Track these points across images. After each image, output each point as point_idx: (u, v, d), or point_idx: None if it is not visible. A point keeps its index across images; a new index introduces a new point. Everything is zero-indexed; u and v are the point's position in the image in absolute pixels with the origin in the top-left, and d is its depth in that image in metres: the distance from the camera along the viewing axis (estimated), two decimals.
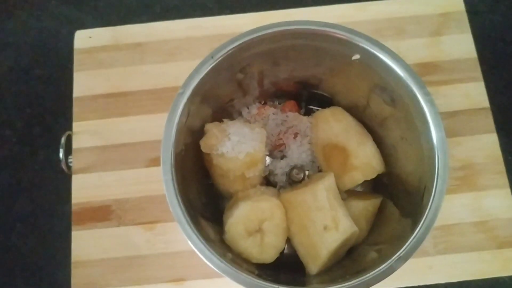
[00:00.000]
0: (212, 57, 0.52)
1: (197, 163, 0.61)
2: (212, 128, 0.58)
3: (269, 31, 0.52)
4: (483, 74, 0.75)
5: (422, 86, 0.50)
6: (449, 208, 0.69)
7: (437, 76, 0.75)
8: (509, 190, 0.70)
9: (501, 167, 0.71)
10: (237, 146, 0.57)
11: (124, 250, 0.68)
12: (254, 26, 0.54)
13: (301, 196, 0.56)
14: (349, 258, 0.59)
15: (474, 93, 0.74)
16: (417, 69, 0.75)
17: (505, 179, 0.70)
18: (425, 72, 0.75)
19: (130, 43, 0.78)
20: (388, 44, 0.75)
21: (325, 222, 0.54)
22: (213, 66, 0.52)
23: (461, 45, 0.77)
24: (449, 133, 0.72)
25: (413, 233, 0.47)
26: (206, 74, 0.52)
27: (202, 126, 0.59)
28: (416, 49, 0.77)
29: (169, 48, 0.77)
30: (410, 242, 0.47)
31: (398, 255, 0.46)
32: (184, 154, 0.55)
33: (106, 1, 0.92)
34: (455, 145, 0.72)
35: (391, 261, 0.46)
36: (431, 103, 0.50)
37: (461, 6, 0.78)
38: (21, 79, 0.85)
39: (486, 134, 0.72)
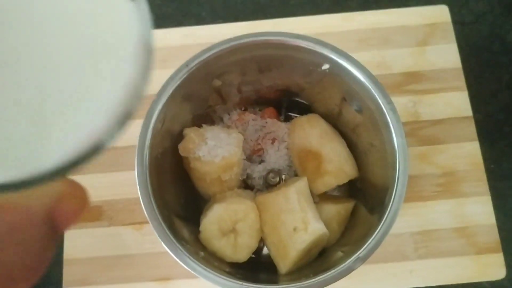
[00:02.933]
0: (187, 65, 0.53)
1: (176, 166, 0.63)
2: (190, 133, 0.59)
3: (241, 41, 0.53)
4: (469, 84, 0.75)
5: (385, 94, 0.51)
6: (430, 213, 0.69)
7: (422, 85, 0.76)
8: (489, 197, 0.70)
9: (482, 174, 0.71)
10: (213, 150, 0.58)
11: (113, 249, 0.69)
12: None
13: (274, 199, 0.57)
14: (320, 259, 0.60)
15: (458, 102, 0.75)
16: (402, 78, 0.76)
17: (486, 187, 0.70)
18: (410, 81, 0.76)
19: None
20: (373, 53, 0.78)
21: (295, 223, 0.55)
22: (189, 74, 0.53)
23: (446, 55, 0.77)
24: (432, 140, 0.73)
25: (372, 235, 0.48)
26: (182, 82, 0.53)
27: (182, 131, 0.61)
28: (402, 59, 0.77)
29: (163, 55, 0.78)
30: (369, 244, 0.48)
31: (357, 256, 0.47)
32: (162, 157, 0.56)
33: None
34: (438, 152, 0.72)
35: (350, 261, 0.47)
36: (393, 111, 0.51)
37: (448, 17, 0.79)
38: None
39: (468, 142, 0.73)
